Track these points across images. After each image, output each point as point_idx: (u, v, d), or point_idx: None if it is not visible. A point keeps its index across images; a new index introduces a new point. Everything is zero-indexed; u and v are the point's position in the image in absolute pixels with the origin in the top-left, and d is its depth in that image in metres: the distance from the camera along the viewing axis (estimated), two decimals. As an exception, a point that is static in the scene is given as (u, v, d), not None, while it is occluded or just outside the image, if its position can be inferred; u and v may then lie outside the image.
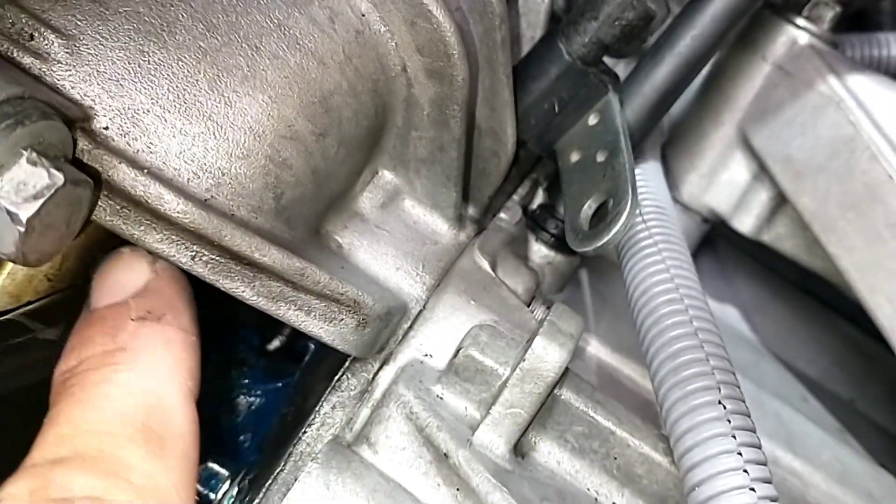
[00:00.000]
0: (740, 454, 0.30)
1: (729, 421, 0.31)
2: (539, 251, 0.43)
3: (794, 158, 0.46)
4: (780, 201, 0.48)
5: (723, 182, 0.50)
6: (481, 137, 0.40)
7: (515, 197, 0.44)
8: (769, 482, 0.30)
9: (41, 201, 0.24)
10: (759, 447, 0.31)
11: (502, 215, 0.42)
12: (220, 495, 0.35)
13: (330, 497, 0.30)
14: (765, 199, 0.49)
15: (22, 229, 0.24)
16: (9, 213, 0.24)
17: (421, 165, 0.37)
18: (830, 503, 0.42)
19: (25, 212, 0.24)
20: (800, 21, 0.48)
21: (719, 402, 0.31)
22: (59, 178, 0.24)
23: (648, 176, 0.43)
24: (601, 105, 0.41)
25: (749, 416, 0.31)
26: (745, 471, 0.29)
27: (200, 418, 0.31)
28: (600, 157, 0.39)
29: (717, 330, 0.34)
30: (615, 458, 0.34)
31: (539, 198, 0.46)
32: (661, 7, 0.42)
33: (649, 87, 0.42)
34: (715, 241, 0.55)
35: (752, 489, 0.29)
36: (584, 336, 0.44)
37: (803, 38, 0.47)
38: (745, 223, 0.49)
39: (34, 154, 0.24)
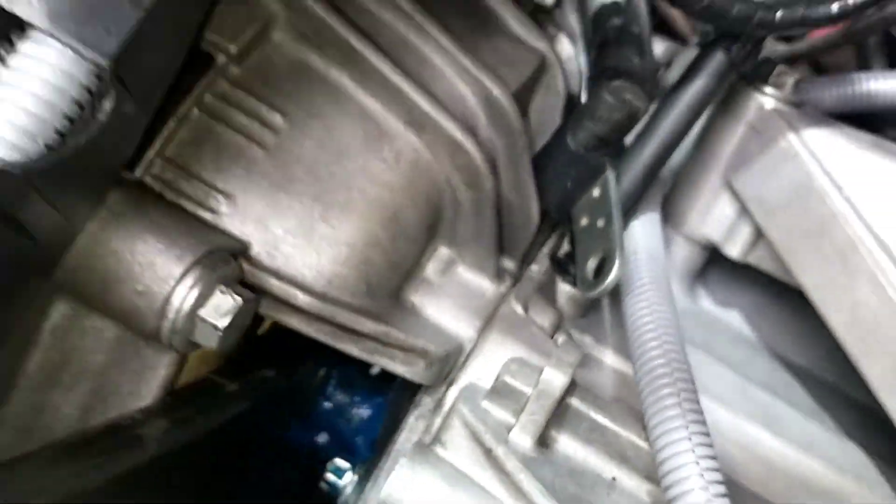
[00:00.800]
0: (691, 441, 0.44)
1: (686, 426, 0.45)
2: (563, 289, 0.58)
3: (765, 199, 0.59)
4: (759, 232, 0.61)
5: (714, 218, 0.63)
6: (512, 213, 0.54)
7: (545, 249, 0.58)
8: (713, 458, 0.44)
9: (230, 317, 0.40)
10: (710, 442, 0.44)
11: (533, 267, 0.56)
12: (345, 482, 0.51)
13: (416, 480, 0.46)
14: (747, 230, 0.61)
15: (220, 335, 0.40)
16: (213, 326, 0.40)
17: (467, 242, 0.52)
18: (795, 468, 0.55)
19: (222, 324, 0.40)
20: (766, 89, 0.60)
21: (679, 407, 0.45)
22: (239, 300, 0.40)
23: (646, 228, 0.57)
24: (601, 181, 0.55)
25: (703, 419, 0.45)
26: (694, 451, 0.43)
27: (329, 427, 0.47)
28: (600, 223, 0.53)
29: (683, 352, 0.48)
30: (611, 445, 0.49)
31: (565, 244, 0.60)
32: (643, 104, 0.55)
33: (638, 164, 0.55)
34: (721, 259, 0.68)
35: (701, 475, 0.43)
36: (601, 348, 0.58)
37: (769, 103, 0.60)
38: (733, 250, 0.62)
39: (223, 286, 0.40)
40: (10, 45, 0.33)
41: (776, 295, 0.68)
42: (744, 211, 0.61)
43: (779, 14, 0.50)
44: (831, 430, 0.60)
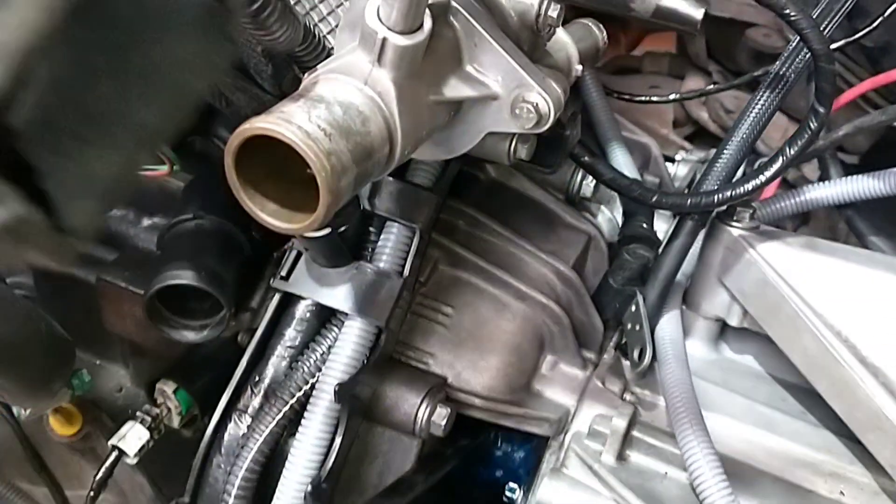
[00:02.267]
0: (700, 448, 0.81)
1: (696, 439, 0.82)
2: (626, 365, 0.96)
3: (743, 290, 0.95)
4: (745, 310, 0.97)
5: (717, 303, 0.99)
6: (585, 329, 0.93)
7: (611, 343, 0.97)
8: (716, 456, 0.81)
9: (447, 418, 0.80)
10: (712, 447, 0.81)
11: (605, 356, 0.95)
12: (517, 496, 0.91)
13: (553, 488, 0.84)
14: (738, 309, 0.98)
15: (444, 427, 0.81)
16: (440, 424, 0.80)
17: (562, 351, 0.91)
18: (783, 450, 0.90)
19: (445, 423, 0.80)
20: (732, 223, 0.96)
21: (691, 428, 0.83)
22: (448, 409, 0.81)
23: (670, 322, 0.95)
24: (635, 302, 0.93)
25: (706, 434, 0.82)
26: (702, 452, 0.81)
27: (503, 466, 0.87)
28: (637, 328, 0.92)
29: (694, 396, 0.85)
30: (662, 454, 0.86)
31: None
32: (652, 252, 0.93)
33: (655, 289, 0.93)
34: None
35: (709, 465, 0.80)
36: (656, 396, 0.95)
37: (735, 232, 0.96)
38: (733, 321, 0.98)
39: (440, 403, 0.81)
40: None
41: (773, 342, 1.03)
42: (734, 297, 0.98)
43: (715, 199, 0.88)
44: (815, 426, 0.94)
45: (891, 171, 0.97)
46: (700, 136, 1.45)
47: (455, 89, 0.59)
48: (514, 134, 0.66)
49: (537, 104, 0.60)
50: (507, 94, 0.61)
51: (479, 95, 0.61)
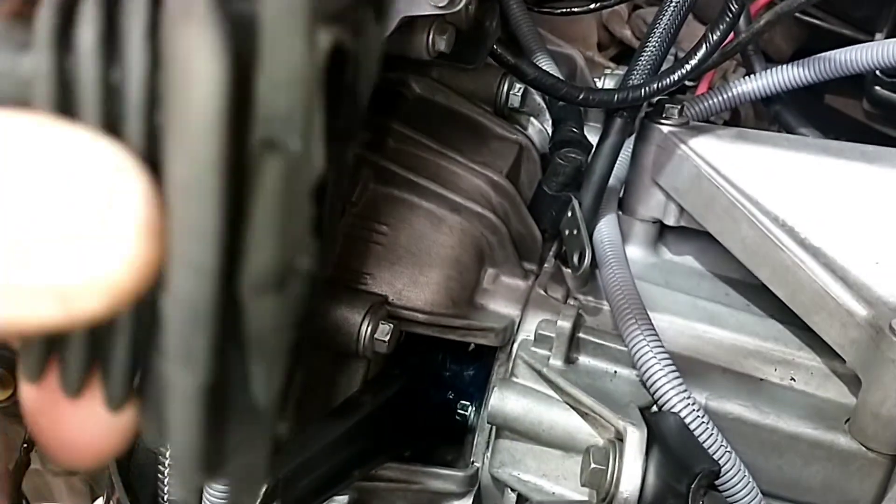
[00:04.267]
0: (647, 341, 0.81)
1: (643, 334, 0.82)
2: (567, 273, 0.95)
3: (678, 188, 0.95)
4: (681, 207, 0.97)
5: (653, 204, 0.99)
6: (524, 241, 0.92)
7: (551, 252, 0.96)
8: (663, 347, 0.81)
9: (390, 334, 0.79)
10: (658, 338, 0.81)
11: (545, 265, 0.94)
12: (469, 412, 0.90)
13: (502, 397, 0.84)
14: (674, 207, 0.97)
15: (387, 343, 0.79)
16: (383, 341, 0.79)
17: (502, 263, 0.90)
18: (727, 340, 0.91)
19: (388, 339, 0.79)
20: (662, 121, 0.96)
21: (637, 324, 0.82)
22: (391, 325, 0.79)
23: (608, 225, 0.94)
24: (570, 207, 0.92)
25: (652, 328, 0.82)
26: (649, 345, 0.81)
27: (453, 386, 0.86)
28: (574, 233, 0.91)
29: (637, 293, 0.85)
30: (609, 354, 0.86)
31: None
32: (584, 156, 0.93)
33: (589, 192, 0.92)
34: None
35: (655, 357, 0.80)
36: (599, 301, 0.95)
37: (665, 129, 0.96)
38: (670, 220, 0.98)
39: (382, 320, 0.79)
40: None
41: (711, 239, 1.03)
42: (669, 196, 0.98)
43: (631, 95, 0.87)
44: (760, 316, 0.95)
45: (815, 58, 0.97)
46: (625, 56, 1.45)
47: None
48: (431, 23, 0.64)
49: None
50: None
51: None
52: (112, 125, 0.27)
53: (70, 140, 0.24)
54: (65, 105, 0.27)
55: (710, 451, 0.78)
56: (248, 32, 0.24)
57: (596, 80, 1.20)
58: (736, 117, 1.26)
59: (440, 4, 0.57)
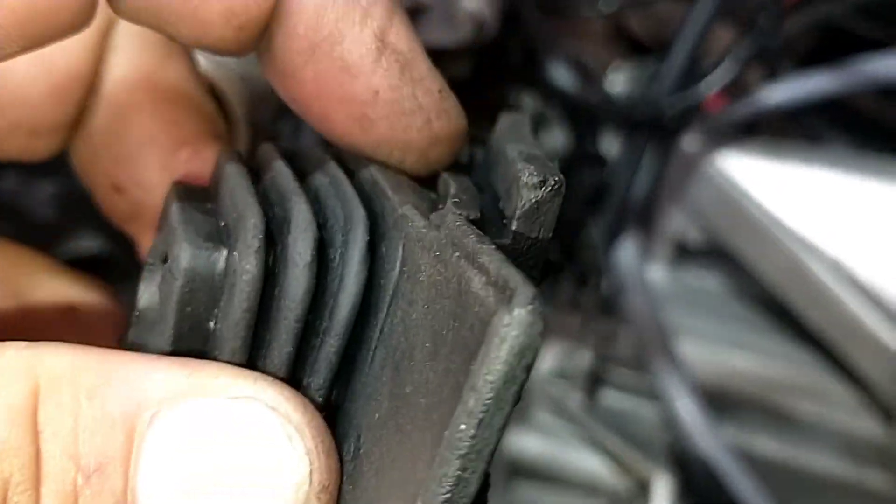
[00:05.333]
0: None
1: (669, 368, 0.76)
2: (584, 298, 0.90)
3: (703, 207, 0.90)
4: (706, 228, 0.92)
5: (676, 224, 0.94)
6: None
7: (568, 276, 0.91)
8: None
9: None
10: (687, 375, 0.76)
11: (562, 290, 0.89)
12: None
13: (520, 434, 0.78)
14: (698, 227, 0.92)
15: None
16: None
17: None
18: (760, 374, 0.86)
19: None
20: (684, 137, 0.90)
21: (665, 367, 0.77)
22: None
23: (629, 248, 0.89)
24: (587, 228, 0.87)
25: (684, 373, 0.77)
26: (677, 380, 0.75)
27: None
28: (592, 255, 0.85)
29: (663, 325, 0.80)
30: (632, 387, 0.81)
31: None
32: (601, 174, 0.87)
33: (606, 214, 0.87)
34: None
35: (681, 390, 0.75)
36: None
37: (689, 147, 0.90)
38: (694, 241, 0.93)
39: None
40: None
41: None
42: (693, 216, 0.92)
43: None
44: (788, 342, 0.89)
45: (854, 65, 0.91)
46: (634, 51, 1.39)
47: None
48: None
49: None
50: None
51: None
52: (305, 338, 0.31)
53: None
54: (263, 307, 0.30)
55: (740, 494, 0.73)
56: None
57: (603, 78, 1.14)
58: (758, 124, 1.21)
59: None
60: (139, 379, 0.28)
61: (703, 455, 0.73)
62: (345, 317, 0.30)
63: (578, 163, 0.87)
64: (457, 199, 0.31)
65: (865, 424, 0.82)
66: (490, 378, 0.23)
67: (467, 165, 0.37)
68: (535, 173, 0.31)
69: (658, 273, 0.93)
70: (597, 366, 0.80)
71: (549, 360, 0.82)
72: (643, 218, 0.95)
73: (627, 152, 0.87)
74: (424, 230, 0.29)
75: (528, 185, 0.30)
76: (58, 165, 0.84)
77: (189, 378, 0.28)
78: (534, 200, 0.30)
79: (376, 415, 0.30)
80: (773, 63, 1.07)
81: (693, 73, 0.97)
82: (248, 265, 0.29)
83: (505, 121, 0.38)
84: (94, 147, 0.41)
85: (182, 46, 0.40)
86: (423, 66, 0.32)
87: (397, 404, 0.29)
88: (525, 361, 0.23)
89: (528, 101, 0.86)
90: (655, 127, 0.85)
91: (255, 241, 0.29)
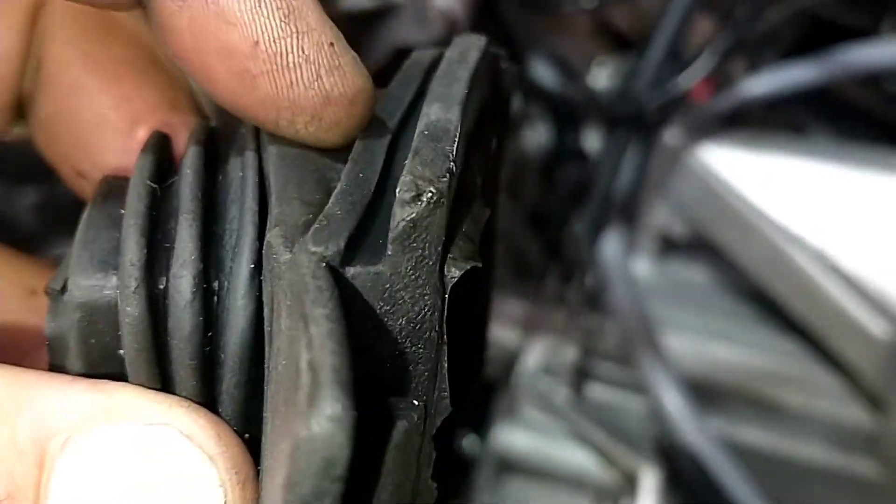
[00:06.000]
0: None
1: (655, 361, 0.77)
2: (570, 293, 0.90)
3: (686, 200, 0.90)
4: (690, 220, 0.92)
5: (660, 217, 0.94)
6: (523, 259, 0.87)
7: (552, 271, 0.91)
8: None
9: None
10: (673, 368, 0.76)
11: (546, 284, 0.89)
12: (471, 446, 0.85)
13: (509, 431, 0.78)
14: (682, 220, 0.92)
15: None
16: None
17: (499, 285, 0.85)
18: (746, 365, 0.86)
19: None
20: (667, 130, 0.90)
21: (651, 361, 0.77)
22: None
23: (613, 242, 0.89)
24: (571, 222, 0.87)
25: (670, 367, 0.77)
26: (663, 373, 0.76)
27: None
28: (577, 250, 0.85)
29: (648, 319, 0.80)
30: (618, 381, 0.81)
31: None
32: (584, 168, 0.87)
33: (590, 209, 0.87)
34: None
35: (666, 383, 0.75)
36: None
37: (671, 139, 0.90)
38: (678, 233, 0.93)
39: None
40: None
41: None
42: (677, 208, 0.92)
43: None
44: (772, 332, 0.89)
45: (836, 54, 0.91)
46: (618, 46, 1.39)
47: None
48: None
49: None
50: None
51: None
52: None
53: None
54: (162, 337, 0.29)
55: (728, 486, 0.73)
56: None
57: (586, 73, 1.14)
58: (741, 116, 1.21)
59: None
60: (50, 403, 0.27)
61: (690, 447, 0.73)
62: (235, 352, 0.28)
63: (561, 158, 0.87)
64: (328, 217, 0.27)
65: (852, 413, 0.82)
66: (299, 492, 0.22)
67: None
68: (408, 187, 0.27)
69: (643, 266, 0.93)
70: (583, 360, 0.80)
71: (535, 355, 0.82)
72: (627, 212, 0.95)
73: (610, 147, 0.86)
74: (284, 268, 0.26)
75: (401, 202, 0.27)
76: (41, 173, 0.84)
77: (102, 402, 0.27)
78: (408, 219, 0.26)
79: (266, 447, 0.28)
80: (756, 55, 1.07)
81: (674, 66, 0.97)
82: (129, 308, 0.28)
83: (454, 49, 0.34)
84: (50, 134, 0.39)
85: (125, 20, 0.38)
86: (313, 16, 0.29)
87: (267, 449, 0.28)
88: (333, 473, 0.21)
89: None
90: (637, 121, 0.85)
91: (132, 281, 0.28)
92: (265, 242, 0.27)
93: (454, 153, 0.28)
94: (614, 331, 0.87)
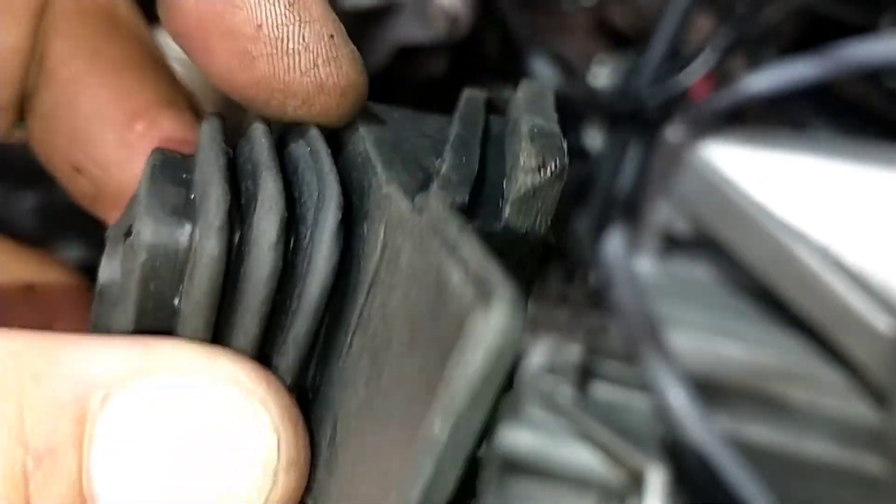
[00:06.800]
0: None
1: (659, 359, 0.76)
2: (571, 291, 0.90)
3: (689, 197, 0.90)
4: (693, 217, 0.92)
5: (662, 214, 0.94)
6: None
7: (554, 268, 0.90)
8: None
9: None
10: (677, 366, 0.76)
11: (548, 284, 0.88)
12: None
13: (514, 431, 0.78)
14: (685, 217, 0.92)
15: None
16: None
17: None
18: (751, 361, 0.85)
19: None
20: (668, 128, 0.90)
21: (655, 359, 0.77)
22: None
23: (615, 240, 0.89)
24: (572, 220, 0.86)
25: (675, 365, 0.77)
26: (667, 372, 0.75)
27: None
28: (577, 247, 0.85)
29: (651, 316, 0.79)
30: (623, 379, 0.80)
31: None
32: (585, 166, 0.87)
33: (591, 207, 0.87)
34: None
35: (670, 381, 0.75)
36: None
37: (673, 136, 0.90)
38: (681, 231, 0.93)
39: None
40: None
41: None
42: (679, 206, 0.92)
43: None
44: (777, 329, 0.88)
45: (838, 51, 0.91)
46: (618, 44, 1.39)
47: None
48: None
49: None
50: None
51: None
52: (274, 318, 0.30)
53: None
54: (229, 286, 0.29)
55: (734, 483, 0.73)
56: None
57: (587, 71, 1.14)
58: (741, 113, 1.21)
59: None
60: (88, 360, 0.27)
61: (696, 445, 0.73)
62: (313, 299, 0.29)
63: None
64: (446, 179, 0.29)
65: (858, 409, 0.81)
66: (465, 381, 0.22)
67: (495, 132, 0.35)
68: (533, 154, 0.29)
69: (646, 264, 0.92)
70: (586, 359, 0.80)
71: (538, 354, 0.82)
72: (629, 210, 0.95)
73: (611, 145, 0.86)
74: (407, 214, 0.28)
75: (525, 169, 0.29)
76: (39, 177, 0.84)
77: (142, 356, 0.27)
78: (530, 185, 0.29)
79: (353, 402, 0.28)
80: (756, 52, 1.07)
81: (674, 63, 0.97)
82: (209, 246, 0.28)
83: (525, 89, 0.36)
84: (48, 129, 0.40)
85: (127, 17, 0.39)
86: (317, 7, 0.31)
87: (374, 393, 0.27)
88: (502, 364, 0.22)
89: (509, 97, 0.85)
90: (638, 119, 0.85)
91: (217, 220, 0.28)
92: (382, 194, 0.29)
93: (565, 149, 0.30)
94: (618, 329, 0.87)
